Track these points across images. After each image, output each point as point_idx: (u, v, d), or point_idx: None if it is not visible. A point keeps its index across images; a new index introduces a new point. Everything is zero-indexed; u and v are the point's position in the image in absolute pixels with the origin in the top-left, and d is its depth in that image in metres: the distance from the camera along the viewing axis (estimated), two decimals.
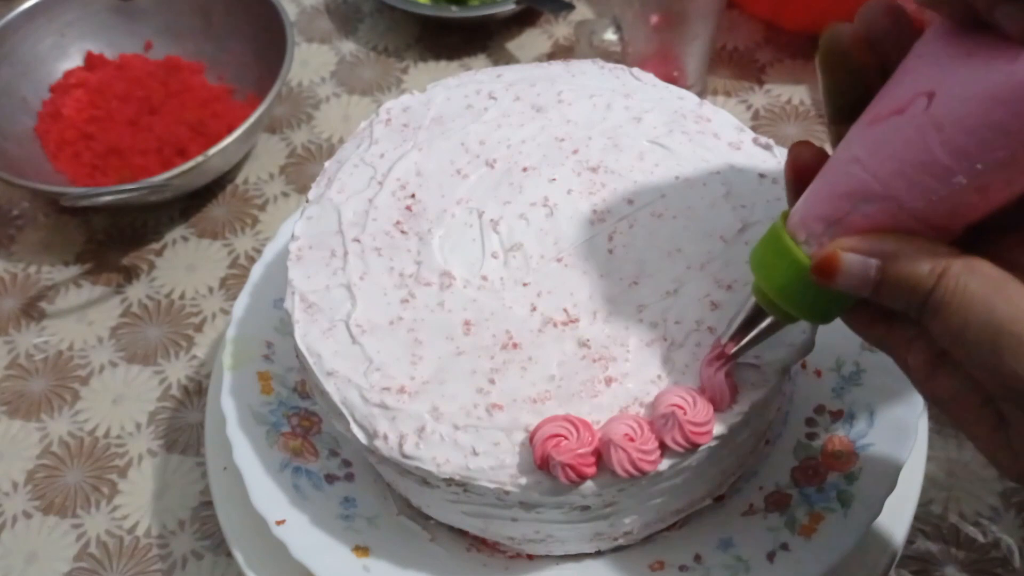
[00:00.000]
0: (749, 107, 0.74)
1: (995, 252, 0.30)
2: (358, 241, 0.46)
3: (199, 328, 0.67)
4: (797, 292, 0.33)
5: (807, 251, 0.32)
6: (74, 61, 0.78)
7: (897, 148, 0.29)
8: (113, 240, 0.72)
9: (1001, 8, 0.26)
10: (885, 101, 0.30)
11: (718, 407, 0.39)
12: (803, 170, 0.33)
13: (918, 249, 0.29)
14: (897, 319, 0.32)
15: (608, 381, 0.40)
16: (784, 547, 0.45)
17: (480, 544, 0.48)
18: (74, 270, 0.71)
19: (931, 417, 0.55)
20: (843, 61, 0.31)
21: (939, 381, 0.31)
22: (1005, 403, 0.30)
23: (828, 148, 0.34)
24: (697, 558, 0.46)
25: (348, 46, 0.84)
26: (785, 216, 0.33)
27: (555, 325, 0.42)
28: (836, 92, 0.32)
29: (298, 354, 0.44)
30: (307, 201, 0.49)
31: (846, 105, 0.32)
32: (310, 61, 0.83)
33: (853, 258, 0.30)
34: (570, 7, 0.80)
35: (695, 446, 0.38)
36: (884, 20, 0.31)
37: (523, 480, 0.39)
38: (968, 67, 0.27)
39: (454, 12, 0.80)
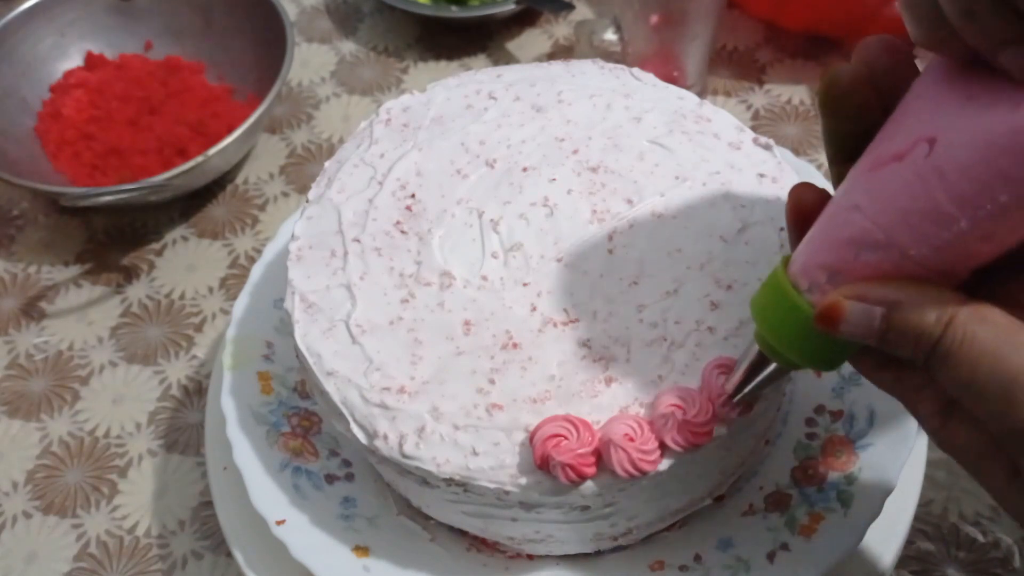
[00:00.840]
0: (749, 107, 0.74)
1: (1004, 294, 0.29)
2: (358, 241, 0.46)
3: (199, 328, 0.67)
4: (800, 340, 0.32)
5: (809, 299, 0.31)
6: (74, 61, 0.78)
7: (898, 195, 0.28)
8: (113, 240, 0.72)
9: (1005, 52, 0.25)
10: (885, 145, 0.29)
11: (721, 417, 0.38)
12: (805, 213, 0.32)
13: (924, 296, 0.29)
14: (906, 366, 0.31)
15: (608, 381, 0.40)
16: (784, 547, 0.45)
17: (480, 544, 0.48)
18: (74, 270, 0.71)
19: None
20: (844, 101, 0.31)
21: (951, 430, 0.30)
22: (1018, 454, 0.29)
23: (830, 188, 0.33)
24: (697, 558, 0.46)
25: (348, 46, 0.84)
26: (786, 261, 0.33)
27: (555, 325, 0.42)
28: (838, 133, 0.32)
29: (298, 354, 0.44)
30: (307, 201, 0.49)
31: (848, 145, 0.31)
32: (310, 61, 0.83)
33: (857, 306, 0.29)
34: (570, 7, 0.80)
35: (695, 446, 0.38)
36: (883, 58, 0.30)
37: (523, 480, 0.39)
38: (970, 112, 0.27)
39: (454, 12, 0.80)
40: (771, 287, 0.33)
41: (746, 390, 0.36)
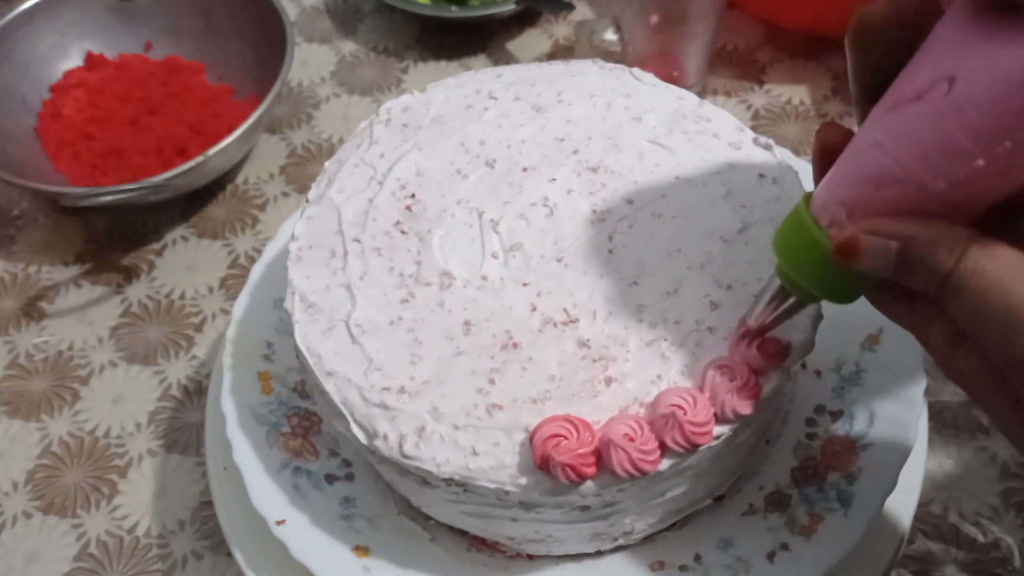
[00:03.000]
0: (749, 107, 0.74)
1: (1017, 233, 0.30)
2: (358, 241, 0.46)
3: (199, 328, 0.67)
4: (819, 273, 0.34)
5: (829, 233, 0.32)
6: (74, 61, 0.78)
7: (918, 132, 0.29)
8: (113, 240, 0.72)
9: None
10: (906, 85, 0.30)
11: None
12: (830, 151, 0.34)
13: (938, 232, 0.30)
14: (918, 299, 0.32)
15: (608, 381, 0.40)
16: (784, 547, 0.45)
17: (480, 544, 0.48)
18: (74, 270, 0.71)
19: (931, 417, 0.55)
20: (872, 40, 0.32)
21: (958, 360, 0.32)
22: (1020, 385, 0.30)
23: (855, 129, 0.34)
24: (697, 558, 0.46)
25: (348, 46, 0.84)
26: (808, 198, 0.34)
27: (555, 325, 0.42)
28: (864, 72, 0.33)
29: (298, 354, 0.44)
30: (307, 201, 0.49)
31: (873, 85, 0.32)
32: (310, 61, 0.83)
33: (873, 240, 0.31)
34: (570, 7, 0.80)
35: (695, 446, 0.38)
36: (912, 0, 0.31)
37: (523, 480, 0.39)
38: (989, 50, 0.27)
39: (454, 12, 0.80)
40: (792, 222, 0.34)
41: (765, 322, 0.38)
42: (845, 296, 0.35)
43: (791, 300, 0.36)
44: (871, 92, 0.32)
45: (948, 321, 0.31)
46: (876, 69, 0.32)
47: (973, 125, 0.28)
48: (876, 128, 0.31)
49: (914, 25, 0.31)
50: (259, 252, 0.70)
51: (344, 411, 0.41)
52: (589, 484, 0.38)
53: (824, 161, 0.34)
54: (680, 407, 0.38)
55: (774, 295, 0.37)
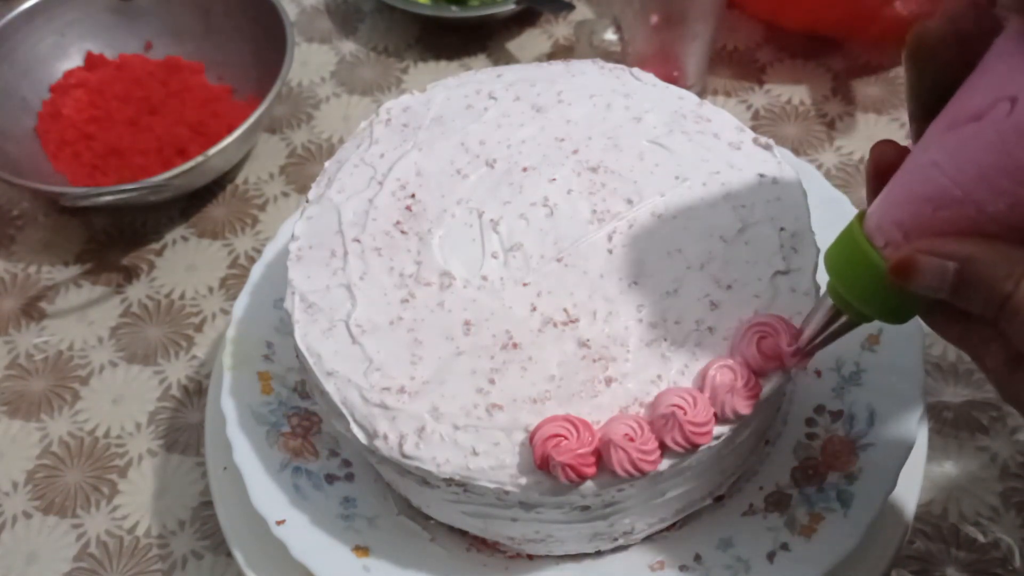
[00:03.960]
0: (749, 107, 0.74)
1: None
2: (358, 241, 0.46)
3: (199, 328, 0.67)
4: (873, 294, 0.33)
5: (884, 253, 0.32)
6: (74, 61, 0.78)
7: (978, 153, 0.29)
8: (113, 240, 0.72)
9: None
10: (964, 104, 0.30)
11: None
12: (884, 169, 0.33)
13: (997, 253, 0.29)
14: (975, 320, 0.32)
15: (608, 381, 0.40)
16: (784, 547, 0.45)
17: (480, 544, 0.48)
18: (74, 270, 0.71)
19: (931, 417, 0.55)
20: (929, 57, 0.31)
21: (1017, 383, 0.31)
22: None
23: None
24: (697, 558, 0.46)
25: (348, 46, 0.84)
26: (861, 217, 0.33)
27: (555, 325, 0.42)
28: (920, 89, 0.32)
29: (298, 354, 0.44)
30: (307, 201, 0.49)
31: (930, 102, 0.32)
32: (310, 61, 0.83)
33: (931, 260, 0.30)
34: (570, 7, 0.80)
35: (695, 446, 0.38)
36: (968, 15, 0.30)
37: (523, 480, 0.39)
38: None
39: (454, 12, 0.80)
40: (846, 241, 0.34)
41: (816, 341, 0.37)
42: (898, 317, 0.34)
43: (843, 319, 0.36)
44: (927, 109, 0.32)
45: (1006, 343, 0.31)
46: (933, 86, 0.32)
47: None
48: (933, 148, 0.30)
49: (972, 42, 0.30)
50: (259, 252, 0.70)
51: (344, 411, 0.41)
52: (589, 484, 0.38)
53: (878, 178, 0.33)
54: (680, 407, 0.38)
55: (826, 314, 0.37)
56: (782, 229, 0.44)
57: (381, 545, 0.47)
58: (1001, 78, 0.29)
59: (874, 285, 0.33)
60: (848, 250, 0.33)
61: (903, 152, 0.33)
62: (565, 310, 0.43)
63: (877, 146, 0.34)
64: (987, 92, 0.29)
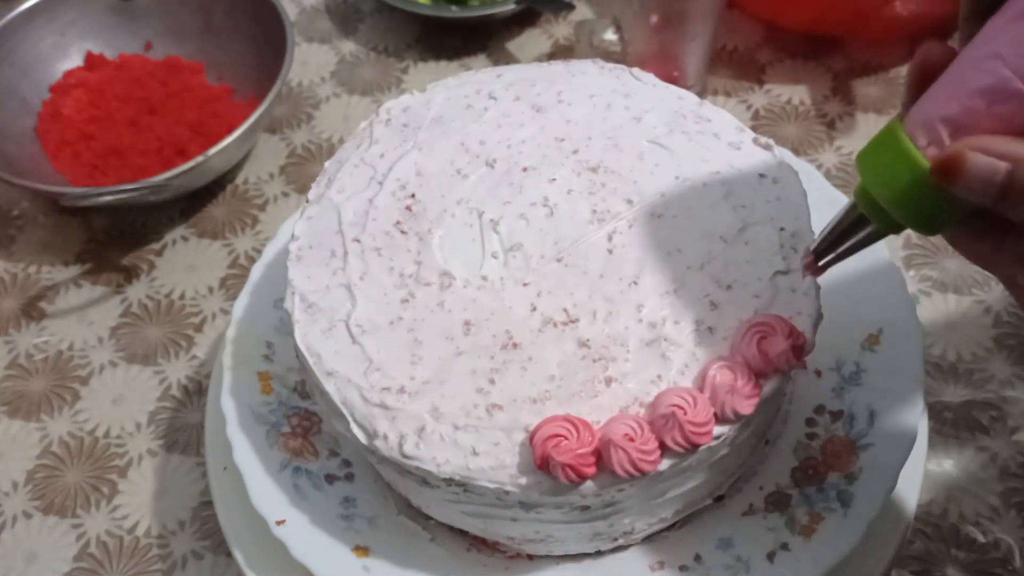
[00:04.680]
0: (749, 107, 0.74)
1: None
2: (358, 241, 0.46)
3: (199, 328, 0.67)
4: (909, 197, 0.31)
5: (926, 153, 0.30)
6: (74, 61, 0.78)
7: None
8: (113, 240, 0.72)
9: None
10: None
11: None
12: (931, 70, 0.31)
13: None
14: (1010, 234, 0.30)
15: (608, 381, 0.40)
16: (784, 547, 0.45)
17: (480, 544, 0.48)
18: (74, 270, 0.71)
19: (931, 417, 0.55)
20: None
21: None
22: None
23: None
24: (697, 558, 0.46)
25: (348, 46, 0.84)
26: (900, 118, 0.31)
27: (555, 325, 0.42)
28: None
29: (298, 354, 0.44)
30: (307, 201, 0.49)
31: (986, 1, 0.30)
32: (310, 61, 0.83)
33: (981, 159, 0.28)
34: (570, 7, 0.80)
35: (695, 446, 0.38)
36: None
37: (523, 480, 0.39)
38: None
39: (454, 12, 0.80)
40: (885, 139, 0.31)
41: (835, 252, 0.35)
42: (930, 226, 0.32)
43: (867, 229, 0.33)
44: (981, 9, 0.30)
45: None
46: None
47: None
48: (995, 39, 0.29)
49: None
50: (259, 252, 0.70)
51: (344, 411, 0.41)
52: (589, 484, 0.38)
53: (921, 79, 0.31)
54: (680, 407, 0.38)
55: (850, 221, 0.34)
56: (782, 229, 0.44)
57: (381, 545, 0.47)
58: None
59: (912, 187, 0.30)
60: (887, 147, 0.31)
61: (951, 53, 0.31)
62: (565, 310, 0.43)
63: (924, 46, 0.31)
64: None
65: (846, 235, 0.34)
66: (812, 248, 0.36)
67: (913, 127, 0.30)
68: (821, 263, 0.36)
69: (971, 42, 0.30)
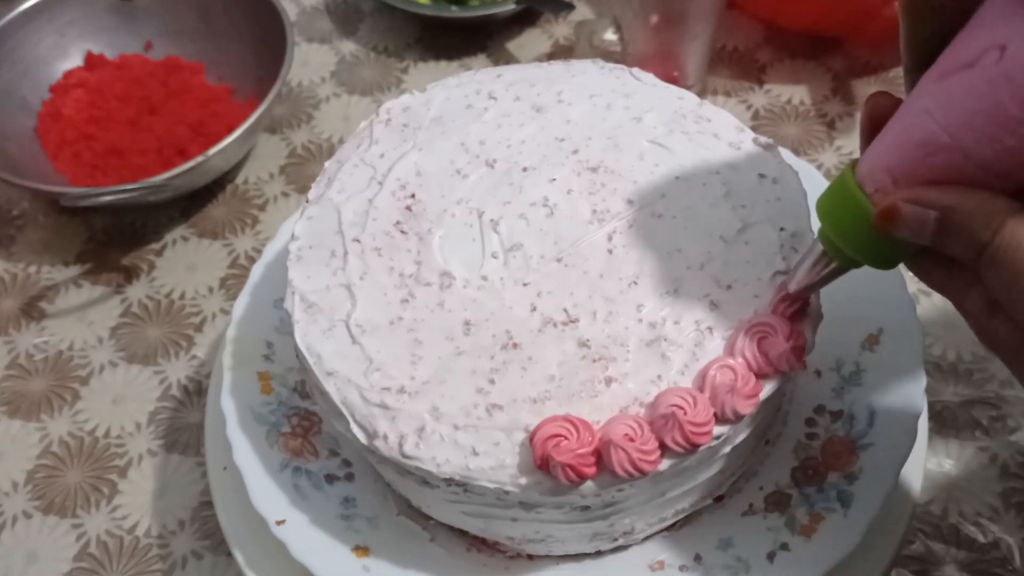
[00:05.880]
0: (749, 107, 0.74)
1: None
2: (358, 241, 0.46)
3: (199, 328, 0.67)
4: (862, 239, 0.34)
5: (873, 199, 0.33)
6: (74, 61, 0.78)
7: (967, 100, 0.30)
8: (113, 240, 0.72)
9: None
10: (957, 53, 0.30)
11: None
12: (879, 119, 0.34)
13: (977, 203, 0.30)
14: (957, 266, 0.33)
15: (608, 381, 0.40)
16: (784, 547, 0.45)
17: (480, 544, 0.48)
18: (74, 270, 0.71)
19: (931, 417, 0.55)
20: (925, 9, 0.32)
21: (995, 327, 0.33)
22: None
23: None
24: (697, 558, 0.46)
25: (348, 46, 0.84)
26: (853, 165, 0.34)
27: (555, 325, 0.42)
28: (916, 40, 0.33)
29: (298, 354, 0.44)
30: (307, 201, 0.49)
31: (924, 54, 0.33)
32: (310, 61, 0.83)
33: (913, 209, 0.31)
34: (570, 7, 0.80)
35: (695, 446, 0.38)
36: None
37: (523, 480, 0.39)
38: None
39: (454, 12, 0.80)
40: (838, 188, 0.35)
41: (806, 286, 0.38)
42: (886, 262, 0.35)
43: (832, 265, 0.37)
44: (922, 61, 0.33)
45: (984, 289, 0.32)
46: (928, 38, 0.32)
47: (1022, 93, 0.28)
48: (925, 95, 0.31)
49: None
50: (259, 252, 0.70)
51: (344, 411, 0.41)
52: (589, 484, 0.38)
53: (872, 128, 0.34)
54: (680, 407, 0.38)
55: (816, 259, 0.37)
56: (782, 229, 0.44)
57: (381, 545, 0.47)
58: (992, 27, 0.29)
59: (863, 231, 0.34)
60: (839, 196, 0.34)
61: (897, 103, 0.34)
62: (565, 310, 0.43)
63: (872, 97, 0.35)
64: (979, 41, 0.30)
65: (816, 271, 0.38)
66: (788, 285, 0.39)
67: (862, 175, 0.34)
68: (795, 293, 0.39)
69: (908, 95, 0.33)
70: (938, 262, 0.34)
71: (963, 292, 0.34)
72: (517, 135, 0.49)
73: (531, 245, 0.45)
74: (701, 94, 0.73)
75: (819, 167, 0.69)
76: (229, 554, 0.51)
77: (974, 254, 0.31)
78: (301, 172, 0.75)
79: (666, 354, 0.41)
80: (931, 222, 0.31)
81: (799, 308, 0.40)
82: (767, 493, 0.47)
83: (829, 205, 0.35)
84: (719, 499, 0.48)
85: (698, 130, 0.48)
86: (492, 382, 0.41)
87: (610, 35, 0.75)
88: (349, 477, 0.50)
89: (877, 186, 0.33)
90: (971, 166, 0.30)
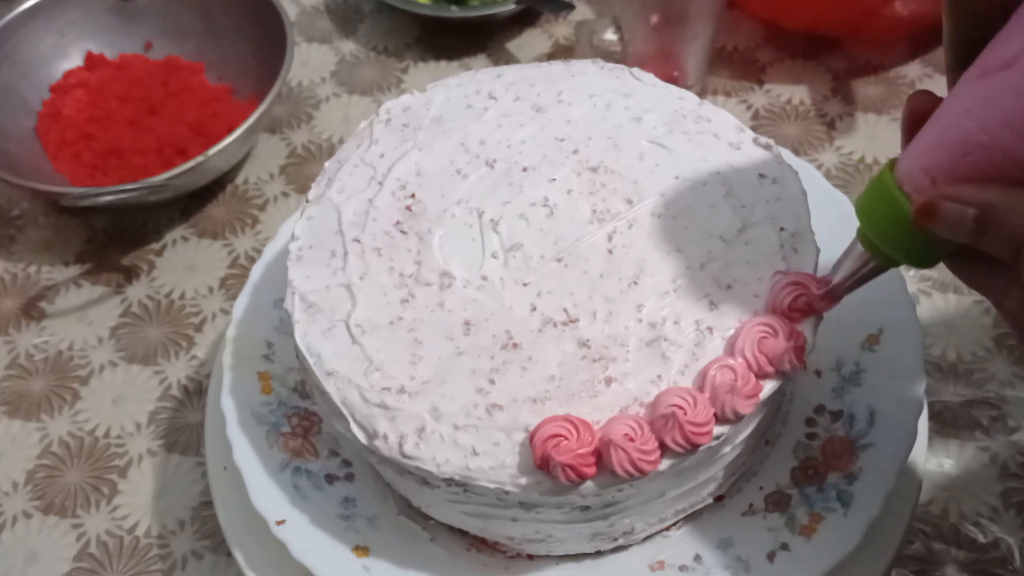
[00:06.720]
0: (749, 107, 0.74)
1: None
2: (358, 241, 0.46)
3: (199, 328, 0.67)
4: (901, 238, 0.34)
5: (911, 198, 0.33)
6: (74, 61, 0.78)
7: (1005, 100, 0.30)
8: (113, 240, 0.72)
9: None
10: (996, 52, 0.31)
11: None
12: (919, 118, 0.34)
13: (1017, 200, 0.30)
14: (996, 265, 0.33)
15: (608, 381, 0.40)
16: (784, 547, 0.45)
17: (480, 544, 0.48)
18: (74, 270, 0.71)
19: (931, 417, 0.55)
20: (966, 8, 0.32)
21: None
22: None
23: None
24: (697, 558, 0.46)
25: (348, 46, 0.84)
26: (892, 164, 0.34)
27: (555, 325, 0.42)
28: (957, 40, 0.33)
29: (298, 354, 0.44)
30: (307, 201, 0.49)
31: (965, 54, 0.33)
32: (310, 61, 0.83)
33: (952, 206, 0.31)
34: (570, 7, 0.80)
35: (695, 446, 0.38)
36: None
37: (523, 480, 0.39)
38: None
39: (454, 12, 0.80)
40: (876, 187, 0.35)
41: (846, 284, 0.39)
42: (925, 260, 0.35)
43: (872, 264, 0.37)
44: (963, 60, 0.33)
45: (1023, 287, 0.32)
46: (969, 38, 0.32)
47: None
48: (964, 95, 0.31)
49: None
50: (259, 252, 0.70)
51: (344, 411, 0.41)
52: (589, 484, 0.38)
53: (912, 127, 0.34)
54: (680, 407, 0.38)
55: (856, 259, 0.37)
56: (782, 229, 0.44)
57: (381, 545, 0.47)
58: None
59: (901, 229, 0.34)
60: (878, 195, 0.35)
61: (937, 102, 0.34)
62: (565, 310, 0.43)
63: (913, 96, 0.35)
64: (1017, 41, 0.30)
65: (856, 270, 0.38)
66: (830, 284, 0.39)
67: (901, 174, 0.34)
68: (836, 293, 0.39)
69: (949, 94, 0.33)
70: (977, 261, 0.34)
71: (1002, 291, 0.34)
72: (517, 135, 0.49)
73: (531, 245, 0.45)
74: (701, 94, 0.73)
75: (819, 167, 0.69)
76: (229, 554, 0.51)
77: (1013, 252, 0.31)
78: (301, 172, 0.75)
79: (666, 354, 0.41)
80: (969, 219, 0.31)
81: (808, 308, 0.40)
82: (767, 493, 0.47)
83: (868, 204, 0.35)
84: (719, 499, 0.48)
85: (698, 130, 0.48)
86: (492, 382, 0.41)
87: (610, 35, 0.75)
88: (349, 477, 0.50)
89: (916, 186, 0.33)
90: (1010, 165, 0.30)
